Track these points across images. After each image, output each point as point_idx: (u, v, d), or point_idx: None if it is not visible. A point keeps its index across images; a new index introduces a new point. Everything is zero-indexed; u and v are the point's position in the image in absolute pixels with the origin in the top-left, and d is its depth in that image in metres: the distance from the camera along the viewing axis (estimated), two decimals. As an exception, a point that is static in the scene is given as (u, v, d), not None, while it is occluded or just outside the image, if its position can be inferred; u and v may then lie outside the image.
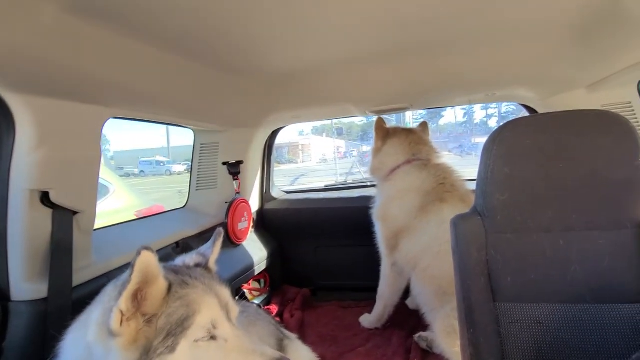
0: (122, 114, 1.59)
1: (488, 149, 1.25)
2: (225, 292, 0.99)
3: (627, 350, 1.10)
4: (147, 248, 0.81)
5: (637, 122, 1.90)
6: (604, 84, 1.88)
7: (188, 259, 1.07)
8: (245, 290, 2.60)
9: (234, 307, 0.99)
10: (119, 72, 1.33)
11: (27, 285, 1.29)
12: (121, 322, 0.80)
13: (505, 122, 1.30)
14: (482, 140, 1.36)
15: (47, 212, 1.32)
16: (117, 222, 2.01)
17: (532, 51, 1.72)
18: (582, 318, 1.15)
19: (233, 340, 0.90)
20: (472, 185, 1.81)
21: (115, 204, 3.75)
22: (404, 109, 2.56)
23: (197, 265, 1.04)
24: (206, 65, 1.60)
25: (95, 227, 1.57)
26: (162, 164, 19.91)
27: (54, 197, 1.30)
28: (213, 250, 1.08)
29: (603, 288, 1.16)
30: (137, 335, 0.81)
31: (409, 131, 2.41)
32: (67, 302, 1.32)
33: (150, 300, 0.84)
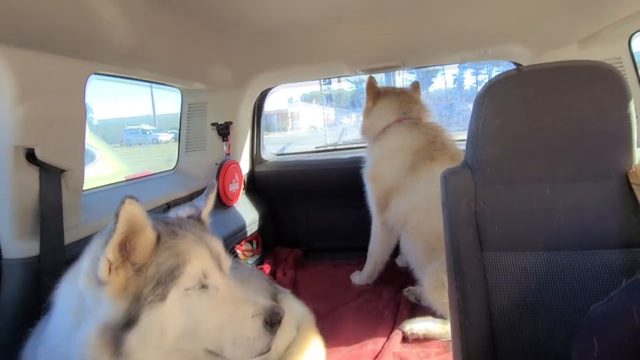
0: (106, 69, 1.54)
1: (480, 101, 1.25)
2: (217, 243, 1.00)
3: (603, 293, 1.14)
4: (131, 197, 0.81)
5: (627, 76, 1.91)
6: (595, 39, 1.88)
7: (181, 211, 1.07)
8: (238, 251, 2.64)
9: (226, 258, 1.00)
10: (101, 24, 1.27)
11: (18, 243, 1.29)
12: (109, 270, 0.81)
13: (497, 74, 1.29)
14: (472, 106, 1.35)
15: (34, 170, 1.30)
16: (106, 184, 1.99)
17: (524, 5, 1.70)
18: (564, 264, 1.19)
19: (224, 290, 0.91)
20: (462, 146, 1.83)
21: (102, 170, 3.71)
22: (395, 67, 2.53)
23: (190, 217, 1.04)
24: (191, 20, 1.54)
25: (84, 189, 1.55)
26: (148, 133, 19.45)
27: (39, 155, 1.28)
28: (206, 202, 1.08)
29: (586, 236, 1.20)
30: (126, 284, 0.82)
31: (399, 91, 2.40)
32: (59, 259, 1.32)
33: (139, 250, 0.84)
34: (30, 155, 1.27)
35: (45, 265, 1.29)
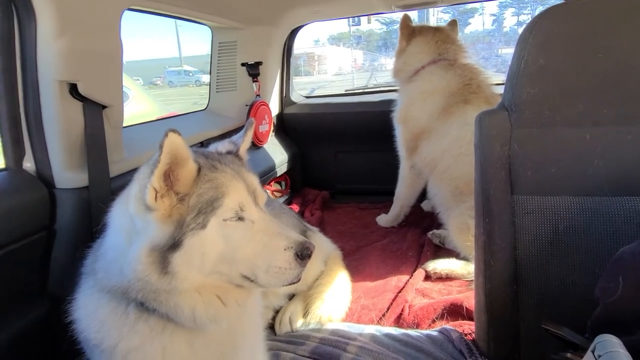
0: (139, 4, 1.53)
1: (524, 38, 1.19)
2: (253, 179, 1.04)
3: (634, 238, 1.15)
4: (173, 130, 0.84)
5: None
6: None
7: (220, 146, 1.11)
8: (267, 191, 2.73)
9: (262, 193, 1.05)
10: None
11: (68, 175, 1.38)
12: (155, 198, 0.87)
13: (545, 8, 1.21)
14: (510, 50, 1.28)
15: (78, 105, 1.36)
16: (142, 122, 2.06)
17: None
18: (596, 209, 1.18)
19: (259, 222, 0.96)
20: (500, 90, 1.75)
21: (135, 109, 3.81)
22: (433, 3, 2.39)
23: (228, 153, 1.08)
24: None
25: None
26: (190, 74, 19.15)
27: (82, 89, 1.33)
28: (244, 139, 1.11)
29: (621, 182, 1.18)
30: (171, 211, 0.88)
31: (435, 29, 2.28)
32: (107, 190, 1.41)
33: (182, 180, 0.89)
34: (74, 90, 1.33)
35: (94, 195, 1.38)
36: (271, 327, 1.59)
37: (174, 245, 0.88)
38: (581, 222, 1.19)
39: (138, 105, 3.90)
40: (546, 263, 1.21)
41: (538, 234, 1.22)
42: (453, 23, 2.37)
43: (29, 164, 1.37)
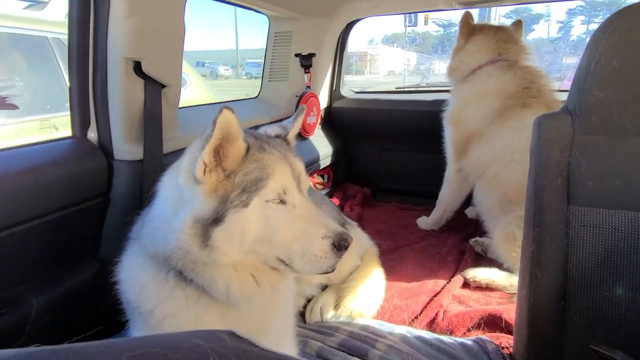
0: (203, -11, 1.59)
1: (597, 38, 1.11)
2: (299, 164, 1.05)
3: None
4: (228, 107, 0.86)
5: None
6: None
7: (270, 129, 1.13)
8: (310, 183, 2.75)
9: (306, 180, 1.05)
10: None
11: (126, 147, 1.47)
12: (204, 171, 0.89)
13: (623, 7, 1.11)
14: (574, 60, 1.19)
15: (140, 82, 1.44)
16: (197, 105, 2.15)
17: None
18: None
19: (300, 208, 0.97)
20: (563, 97, 1.64)
21: (192, 95, 3.97)
22: (496, 2, 2.28)
23: (277, 136, 1.10)
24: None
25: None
26: None
27: (145, 67, 1.40)
28: (294, 124, 1.12)
29: None
30: (217, 186, 0.91)
31: (498, 28, 2.18)
32: (159, 164, 1.48)
33: (230, 157, 0.92)
34: (138, 68, 1.40)
35: (147, 169, 1.46)
36: (302, 315, 1.60)
37: (217, 219, 0.90)
38: None
39: (195, 93, 4.07)
40: (600, 281, 1.13)
41: (594, 249, 1.14)
42: (518, 23, 2.25)
43: (92, 135, 1.47)
